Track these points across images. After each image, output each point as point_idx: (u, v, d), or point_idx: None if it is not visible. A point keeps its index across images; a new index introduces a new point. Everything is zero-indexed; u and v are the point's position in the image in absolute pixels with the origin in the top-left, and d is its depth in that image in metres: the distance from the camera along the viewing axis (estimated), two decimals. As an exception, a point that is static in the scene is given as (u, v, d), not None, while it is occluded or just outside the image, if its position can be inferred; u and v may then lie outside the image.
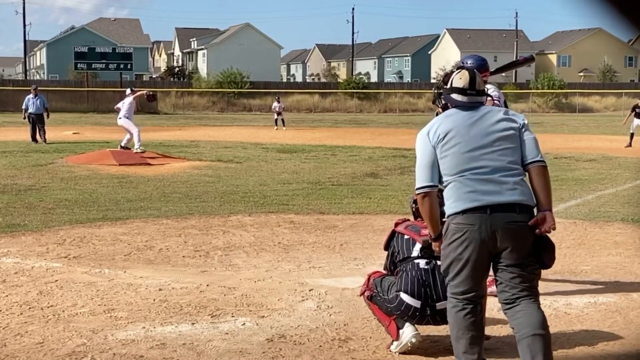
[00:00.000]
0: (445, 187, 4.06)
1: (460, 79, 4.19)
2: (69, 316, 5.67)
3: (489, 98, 5.95)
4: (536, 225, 3.92)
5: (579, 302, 6.09)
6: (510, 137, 4.02)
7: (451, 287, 4.13)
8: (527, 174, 4.08)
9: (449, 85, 4.24)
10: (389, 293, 4.83)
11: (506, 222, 3.86)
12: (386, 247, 5.13)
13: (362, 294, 5.08)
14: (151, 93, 18.36)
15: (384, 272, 5.09)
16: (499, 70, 6.12)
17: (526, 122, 4.15)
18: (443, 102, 4.33)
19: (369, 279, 5.06)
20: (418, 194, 4.17)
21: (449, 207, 4.00)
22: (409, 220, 5.13)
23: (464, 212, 3.91)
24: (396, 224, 5.11)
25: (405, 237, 4.93)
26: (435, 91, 4.43)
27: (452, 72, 4.35)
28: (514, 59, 6.24)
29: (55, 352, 4.88)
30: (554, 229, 3.95)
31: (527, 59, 6.33)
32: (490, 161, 3.95)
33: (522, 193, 3.93)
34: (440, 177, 4.07)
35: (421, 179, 4.10)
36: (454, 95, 4.17)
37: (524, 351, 3.88)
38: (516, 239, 3.87)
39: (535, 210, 4.00)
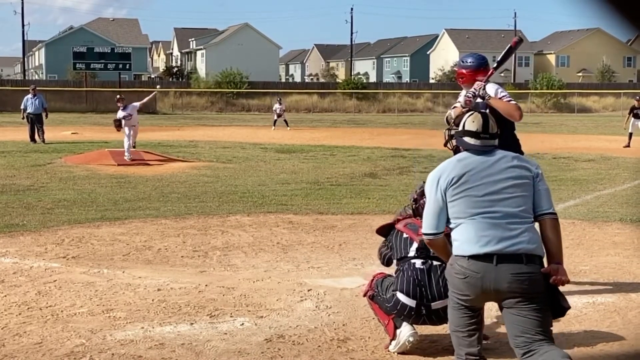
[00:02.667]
0: (453, 228, 3.99)
1: (473, 122, 4.09)
2: (67, 316, 5.66)
3: (503, 97, 5.94)
4: (547, 274, 3.85)
5: (578, 302, 6.09)
6: (524, 185, 3.96)
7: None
8: (537, 224, 4.00)
9: (460, 128, 4.14)
10: (386, 292, 4.88)
11: (513, 273, 3.79)
12: (379, 232, 5.25)
13: (365, 294, 5.11)
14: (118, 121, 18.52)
15: (386, 273, 5.13)
16: (500, 64, 6.10)
17: (540, 171, 4.06)
18: (455, 144, 4.22)
19: (372, 280, 5.10)
20: (425, 239, 4.16)
21: (456, 248, 3.94)
22: (409, 218, 5.15)
23: (469, 257, 3.86)
24: (397, 220, 5.14)
25: (404, 235, 4.96)
26: (447, 133, 4.33)
27: (463, 113, 4.24)
28: (507, 48, 6.18)
29: (54, 352, 4.88)
30: (568, 282, 3.89)
31: (518, 42, 6.31)
32: (502, 207, 3.89)
33: (531, 241, 3.86)
34: (447, 220, 4.01)
35: (427, 226, 4.06)
36: (467, 139, 4.08)
37: None
38: (525, 290, 3.80)
39: (544, 260, 3.93)
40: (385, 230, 5.24)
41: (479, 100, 5.72)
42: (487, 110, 5.99)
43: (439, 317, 4.70)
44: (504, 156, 4.05)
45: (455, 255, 3.93)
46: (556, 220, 3.99)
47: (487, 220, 3.86)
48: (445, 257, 4.11)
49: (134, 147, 18.14)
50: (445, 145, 4.32)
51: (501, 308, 3.96)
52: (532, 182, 3.98)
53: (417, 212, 5.07)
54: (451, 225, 3.99)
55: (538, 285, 3.82)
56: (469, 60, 6.20)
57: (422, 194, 5.04)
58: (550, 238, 3.94)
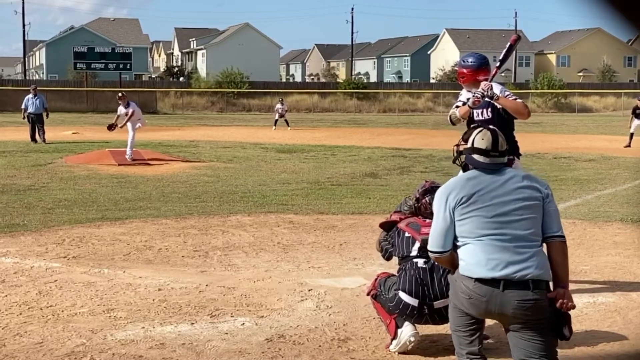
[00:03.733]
0: (460, 246, 3.93)
1: (482, 140, 4.02)
2: (68, 316, 5.67)
3: (508, 96, 5.95)
4: (553, 298, 3.81)
5: (578, 302, 6.05)
6: (533, 207, 3.89)
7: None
8: (545, 245, 3.94)
9: (469, 145, 4.07)
10: (389, 292, 4.89)
11: (518, 300, 3.75)
12: (382, 226, 5.25)
13: (369, 293, 5.12)
14: (112, 125, 18.75)
15: (390, 272, 5.14)
16: (502, 62, 6.12)
17: (550, 191, 3.99)
18: (463, 161, 4.10)
19: (376, 279, 5.11)
20: (431, 256, 4.10)
21: (462, 267, 3.88)
22: (412, 216, 5.14)
23: (476, 280, 3.81)
24: (400, 219, 5.14)
25: (406, 234, 4.96)
26: (456, 149, 4.24)
27: (472, 130, 4.17)
28: (507, 46, 6.18)
29: (55, 352, 4.88)
30: (574, 307, 3.86)
31: (517, 39, 6.32)
32: (511, 229, 3.83)
33: (538, 267, 3.80)
34: (455, 237, 3.94)
35: (434, 244, 4.00)
36: (476, 156, 4.01)
37: None
38: (530, 315, 3.78)
39: (551, 283, 3.88)
40: (388, 226, 5.24)
41: (486, 99, 5.75)
42: (490, 109, 6.03)
43: (442, 316, 4.70)
44: (514, 175, 3.98)
45: (462, 275, 3.88)
46: (564, 244, 3.94)
47: (496, 243, 3.81)
48: (452, 268, 4.05)
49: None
50: (454, 162, 4.23)
51: (506, 330, 3.94)
52: (542, 203, 3.92)
53: (419, 211, 5.07)
54: (458, 243, 3.93)
55: (543, 312, 3.78)
56: (470, 60, 6.20)
57: (424, 193, 5.05)
58: (558, 261, 3.88)
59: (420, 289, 4.76)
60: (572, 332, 3.90)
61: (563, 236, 3.95)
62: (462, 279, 3.87)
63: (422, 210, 5.05)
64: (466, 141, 4.12)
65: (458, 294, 3.92)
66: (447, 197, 3.95)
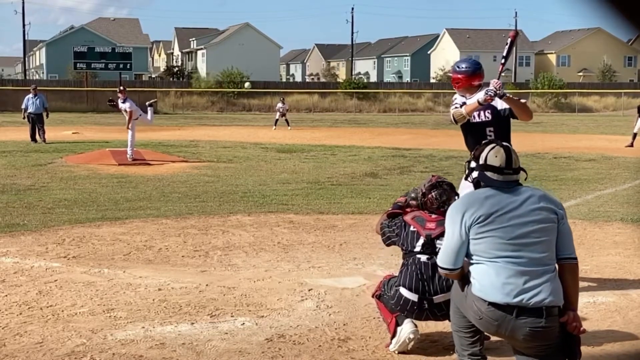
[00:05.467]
0: (473, 264, 3.88)
1: (495, 157, 3.96)
2: (68, 316, 5.67)
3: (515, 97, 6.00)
4: (564, 322, 3.81)
5: (579, 302, 6.07)
6: (548, 230, 3.85)
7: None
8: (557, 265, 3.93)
9: (482, 162, 3.99)
10: (391, 290, 4.90)
11: (530, 327, 3.73)
12: (388, 215, 5.26)
13: (374, 294, 5.15)
14: (112, 100, 18.64)
15: (394, 274, 5.15)
16: (506, 59, 6.13)
17: (564, 211, 3.95)
18: (476, 177, 4.03)
19: (381, 281, 5.14)
20: (441, 272, 4.08)
21: (476, 288, 3.83)
22: (417, 210, 5.14)
23: (490, 303, 3.78)
24: (405, 212, 5.15)
25: (411, 228, 4.96)
26: (467, 165, 4.18)
27: (484, 146, 4.09)
28: (507, 42, 6.21)
29: (55, 352, 4.88)
30: (584, 332, 3.86)
31: (515, 35, 6.35)
32: (527, 252, 3.78)
33: (552, 293, 3.76)
34: (467, 254, 3.91)
35: (445, 261, 3.95)
36: (489, 174, 3.95)
37: None
38: (540, 341, 3.77)
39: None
40: (394, 215, 5.25)
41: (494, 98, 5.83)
42: (489, 111, 6.06)
43: (442, 310, 4.70)
44: (531, 196, 3.91)
45: (474, 295, 3.83)
46: (576, 266, 3.91)
47: (511, 266, 3.76)
48: (461, 282, 4.02)
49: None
50: (465, 178, 4.18)
51: (514, 349, 3.93)
52: (557, 224, 3.87)
53: (425, 206, 5.06)
54: (471, 261, 3.89)
55: (553, 337, 3.77)
56: (464, 65, 6.25)
57: (430, 188, 5.04)
58: (568, 283, 3.86)
59: (420, 284, 4.77)
60: (581, 355, 3.87)
61: (575, 258, 3.91)
62: (475, 299, 3.82)
63: (427, 205, 5.04)
64: (477, 158, 4.04)
65: (468, 311, 3.88)
66: (463, 214, 3.87)
